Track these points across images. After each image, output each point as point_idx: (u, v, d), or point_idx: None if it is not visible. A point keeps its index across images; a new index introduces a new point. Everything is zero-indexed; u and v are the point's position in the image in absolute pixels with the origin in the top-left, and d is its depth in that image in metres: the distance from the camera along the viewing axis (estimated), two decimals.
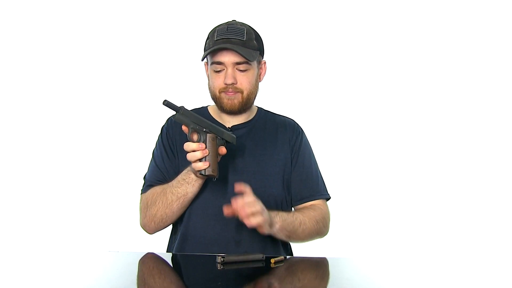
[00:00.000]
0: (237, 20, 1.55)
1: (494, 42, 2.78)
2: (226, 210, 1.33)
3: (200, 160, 1.33)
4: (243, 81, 1.49)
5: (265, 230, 1.37)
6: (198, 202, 1.49)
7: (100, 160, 2.80)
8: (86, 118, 2.83)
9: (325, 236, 1.60)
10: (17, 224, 2.75)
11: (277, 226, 1.41)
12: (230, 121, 1.57)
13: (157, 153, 1.58)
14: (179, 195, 1.44)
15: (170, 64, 2.80)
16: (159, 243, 1.68)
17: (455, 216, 2.73)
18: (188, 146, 1.34)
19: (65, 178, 2.80)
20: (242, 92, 1.50)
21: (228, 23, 1.52)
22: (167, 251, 1.60)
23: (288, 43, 2.80)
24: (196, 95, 1.83)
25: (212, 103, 1.58)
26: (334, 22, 2.85)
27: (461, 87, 2.80)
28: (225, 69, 1.48)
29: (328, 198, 1.63)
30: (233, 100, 1.50)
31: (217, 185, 1.46)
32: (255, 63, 1.51)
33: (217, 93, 1.51)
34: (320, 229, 1.54)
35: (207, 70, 1.56)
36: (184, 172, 1.44)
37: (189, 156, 1.33)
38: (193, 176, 1.40)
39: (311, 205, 1.58)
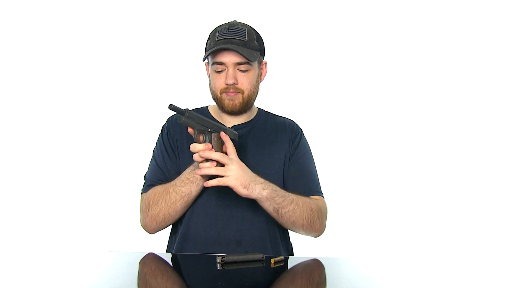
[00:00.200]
0: (238, 21, 1.55)
1: (494, 42, 2.78)
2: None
3: (206, 160, 1.34)
4: (244, 81, 1.49)
5: (240, 190, 1.36)
6: (198, 202, 1.49)
7: (101, 160, 2.81)
8: (86, 118, 2.83)
9: (321, 235, 1.56)
10: (17, 224, 2.75)
11: (263, 192, 1.40)
12: (230, 121, 1.57)
13: (157, 152, 1.58)
14: (183, 194, 1.44)
15: (171, 65, 2.80)
16: (159, 243, 1.68)
17: (454, 216, 2.74)
18: (195, 147, 1.35)
19: (65, 178, 2.80)
20: (243, 93, 1.50)
21: (229, 24, 1.52)
22: (167, 251, 1.60)
23: (288, 43, 2.81)
24: (196, 95, 1.83)
25: (212, 103, 1.59)
26: (334, 23, 2.85)
27: (460, 87, 2.80)
28: (226, 69, 1.48)
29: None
30: (234, 100, 1.50)
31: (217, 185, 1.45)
32: (256, 64, 1.51)
33: (218, 94, 1.51)
34: (313, 219, 1.49)
35: (208, 70, 1.56)
36: (187, 171, 1.44)
37: (196, 157, 1.35)
38: (197, 175, 1.41)
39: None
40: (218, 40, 1.47)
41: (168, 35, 2.83)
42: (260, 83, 1.57)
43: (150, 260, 1.38)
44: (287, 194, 1.46)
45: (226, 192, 1.47)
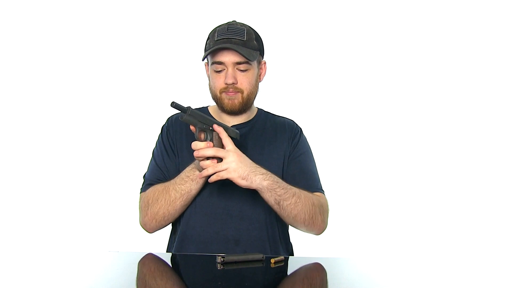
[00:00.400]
0: (237, 21, 1.55)
1: (494, 42, 2.78)
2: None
3: (207, 158, 1.34)
4: (243, 81, 1.49)
5: (239, 181, 1.35)
6: (197, 201, 1.49)
7: (100, 160, 2.80)
8: (86, 118, 2.83)
9: (322, 233, 1.54)
10: (17, 224, 2.75)
11: (264, 183, 1.38)
12: (230, 121, 1.57)
13: (157, 152, 1.58)
14: (182, 192, 1.44)
15: (171, 65, 2.80)
16: (159, 243, 1.68)
17: (454, 216, 2.73)
18: (196, 145, 1.35)
19: (65, 178, 2.80)
20: (242, 92, 1.50)
21: (228, 23, 1.52)
22: (166, 251, 1.60)
23: (288, 43, 2.80)
24: (196, 95, 1.83)
25: (212, 103, 1.59)
26: (334, 23, 2.85)
27: (460, 87, 2.80)
28: (226, 69, 1.48)
29: None
30: (233, 100, 1.51)
31: (216, 184, 1.45)
32: (255, 63, 1.52)
33: (218, 93, 1.51)
34: (315, 214, 1.47)
35: (207, 70, 1.56)
36: (187, 169, 1.44)
37: (197, 154, 1.35)
38: (198, 173, 1.41)
39: None
40: (217, 40, 1.47)
41: (168, 35, 2.83)
42: (260, 83, 1.58)
43: (149, 260, 1.38)
44: (289, 186, 1.44)
45: (225, 191, 1.47)
